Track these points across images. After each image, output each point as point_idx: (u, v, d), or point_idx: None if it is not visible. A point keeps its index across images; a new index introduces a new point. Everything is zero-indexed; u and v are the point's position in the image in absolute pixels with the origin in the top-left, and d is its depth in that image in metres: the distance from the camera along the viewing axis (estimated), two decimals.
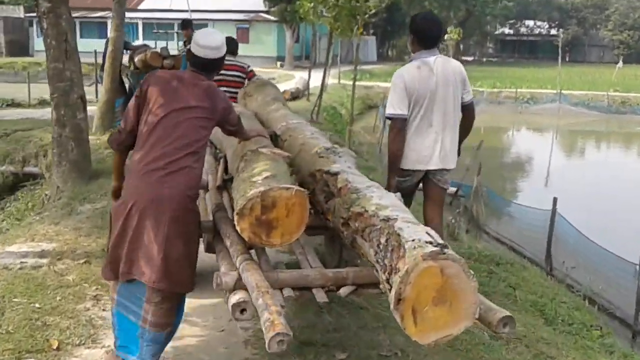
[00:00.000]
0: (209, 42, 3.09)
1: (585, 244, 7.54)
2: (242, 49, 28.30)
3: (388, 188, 3.92)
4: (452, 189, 10.39)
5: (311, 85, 19.01)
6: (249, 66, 6.61)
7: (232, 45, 6.48)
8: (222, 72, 6.08)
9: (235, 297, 2.53)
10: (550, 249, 7.86)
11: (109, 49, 10.41)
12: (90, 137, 8.02)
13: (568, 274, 6.95)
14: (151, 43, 18.56)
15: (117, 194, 3.16)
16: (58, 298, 4.11)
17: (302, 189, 2.74)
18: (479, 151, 11.26)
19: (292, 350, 3.49)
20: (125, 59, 11.16)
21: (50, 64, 7.07)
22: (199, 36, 3.14)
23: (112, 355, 3.17)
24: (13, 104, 15.96)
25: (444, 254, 2.11)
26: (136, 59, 11.15)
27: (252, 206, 2.62)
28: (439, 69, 3.97)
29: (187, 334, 3.73)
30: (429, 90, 3.94)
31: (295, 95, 18.64)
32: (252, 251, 2.95)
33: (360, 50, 49.46)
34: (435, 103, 3.97)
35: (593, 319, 5.10)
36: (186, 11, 24.51)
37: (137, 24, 39.57)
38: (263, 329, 2.26)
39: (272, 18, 37.18)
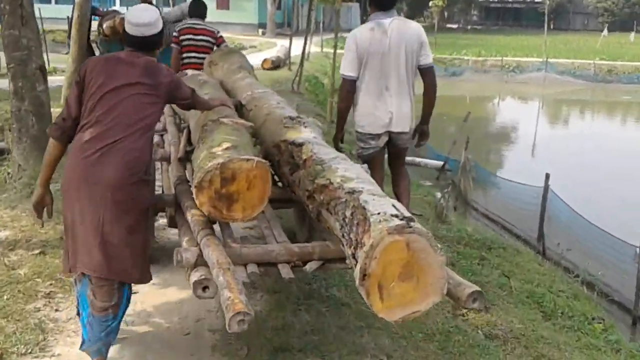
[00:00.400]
0: (141, 19, 2.89)
1: (581, 224, 7.21)
2: (221, 16, 27.91)
3: (335, 139, 4.27)
4: (439, 163, 10.01)
5: (293, 54, 18.40)
6: (218, 31, 6.35)
7: (201, 9, 6.38)
8: (191, 36, 6.08)
9: (197, 274, 2.41)
10: (542, 229, 7.53)
11: (75, 15, 9.74)
12: (58, 109, 7.50)
13: (563, 256, 6.63)
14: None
15: (38, 204, 3.00)
16: (5, 297, 3.66)
17: (263, 161, 2.61)
18: (466, 123, 10.87)
19: (264, 357, 3.11)
20: (95, 25, 10.56)
21: (5, 31, 6.45)
22: (131, 14, 2.96)
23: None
24: None
25: (410, 227, 2.01)
26: (104, 26, 10.49)
27: (211, 179, 2.51)
28: (393, 31, 3.94)
29: (150, 338, 3.31)
30: (381, 52, 3.93)
31: (276, 64, 18.01)
32: (216, 226, 2.78)
33: (342, 17, 48.78)
34: (388, 65, 3.96)
35: (593, 309, 4.77)
36: None
37: None
38: (223, 309, 2.12)
39: None
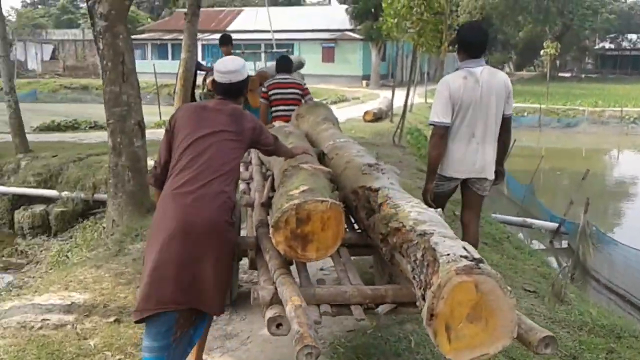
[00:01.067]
0: (226, 67, 3.16)
1: None
2: (327, 69, 28.31)
3: (425, 192, 4.23)
4: (554, 225, 9.11)
5: (395, 105, 18.04)
6: (304, 83, 6.66)
7: (286, 64, 6.73)
8: (280, 90, 6.36)
9: (271, 312, 2.51)
10: None
11: (180, 70, 9.95)
12: None
13: None
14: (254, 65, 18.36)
15: None
16: None
17: (337, 202, 2.70)
18: (584, 181, 9.90)
19: None
20: (200, 80, 10.75)
21: (106, 87, 6.57)
22: (219, 63, 3.20)
23: None
24: (96, 126, 15.97)
25: (479, 268, 2.02)
26: (208, 81, 10.69)
27: (287, 219, 2.62)
28: (484, 80, 4.02)
29: None
30: (473, 100, 4.00)
31: (378, 116, 17.71)
32: (294, 269, 2.94)
33: (448, 67, 48.20)
34: (479, 113, 4.03)
35: None
36: (270, 32, 24.36)
37: None
38: (293, 342, 2.20)
39: (358, 36, 36.58)
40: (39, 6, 65.18)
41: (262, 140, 3.20)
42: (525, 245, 6.86)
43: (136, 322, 2.85)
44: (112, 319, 4.03)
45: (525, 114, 24.77)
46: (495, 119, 4.09)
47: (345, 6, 37.44)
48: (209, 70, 10.86)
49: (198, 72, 10.85)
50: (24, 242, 9.36)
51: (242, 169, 4.60)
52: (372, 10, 33.75)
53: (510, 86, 4.16)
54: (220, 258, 2.82)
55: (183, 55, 9.92)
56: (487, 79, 4.03)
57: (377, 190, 3.03)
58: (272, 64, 12.45)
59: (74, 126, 16.11)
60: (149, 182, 3.20)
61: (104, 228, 6.92)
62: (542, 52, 36.29)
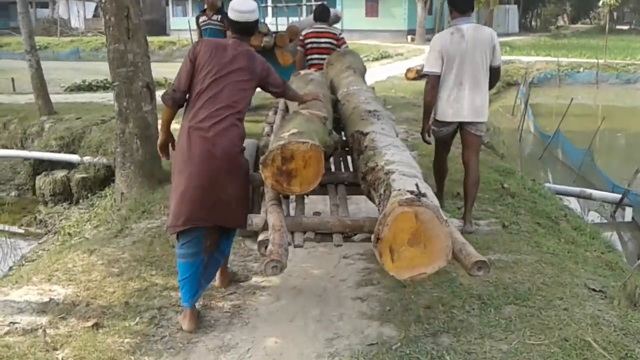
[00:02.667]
0: (244, 7, 3.44)
1: None
2: (370, 24, 26.80)
3: (422, 132, 4.97)
4: (616, 196, 8.12)
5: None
6: (340, 33, 6.87)
7: (324, 13, 6.94)
8: (314, 39, 6.66)
9: (262, 236, 2.94)
10: None
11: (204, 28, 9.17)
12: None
13: None
14: (281, 20, 17.31)
15: (163, 146, 3.59)
16: None
17: (317, 144, 3.01)
18: None
19: None
20: None
21: (110, 45, 5.88)
22: (235, 4, 3.46)
23: (188, 312, 3.39)
24: None
25: (419, 201, 2.37)
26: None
27: (273, 157, 2.97)
28: (469, 35, 4.55)
29: None
30: (459, 52, 4.55)
31: (421, 74, 16.59)
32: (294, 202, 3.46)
33: (499, 20, 45.87)
34: (465, 64, 4.56)
35: None
36: None
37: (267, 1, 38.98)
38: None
39: None
40: None
41: (270, 81, 3.53)
42: (586, 224, 5.96)
43: (171, 234, 3.46)
44: (91, 322, 3.41)
45: (581, 69, 23.01)
46: (482, 69, 4.62)
47: None
48: None
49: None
50: (45, 209, 8.92)
51: (270, 112, 4.99)
52: None
53: (496, 40, 4.66)
54: (237, 180, 3.29)
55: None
56: (473, 34, 4.58)
57: (366, 134, 3.42)
58: (305, 18, 11.56)
59: (105, 86, 15.56)
60: (163, 101, 3.39)
61: (114, 201, 6.35)
62: (600, 3, 34.00)
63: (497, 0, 10.62)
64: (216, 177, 3.20)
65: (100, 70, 22.24)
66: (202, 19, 8.11)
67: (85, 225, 6.95)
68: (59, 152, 9.66)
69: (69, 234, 6.65)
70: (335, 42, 6.62)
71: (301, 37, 6.85)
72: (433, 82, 4.67)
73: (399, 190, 2.47)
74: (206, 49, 3.36)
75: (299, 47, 6.88)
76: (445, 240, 2.38)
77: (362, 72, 5.40)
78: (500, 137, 11.96)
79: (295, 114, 3.58)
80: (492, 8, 17.87)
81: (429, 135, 4.96)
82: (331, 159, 3.97)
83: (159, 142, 3.60)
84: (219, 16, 7.72)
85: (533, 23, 56.02)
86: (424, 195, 2.39)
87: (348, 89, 4.46)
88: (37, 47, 11.46)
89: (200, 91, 3.28)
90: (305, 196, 3.42)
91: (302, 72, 5.14)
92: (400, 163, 2.88)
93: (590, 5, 51.18)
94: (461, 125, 4.79)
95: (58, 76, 18.15)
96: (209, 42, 3.48)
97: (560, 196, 7.70)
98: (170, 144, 3.54)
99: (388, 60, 24.09)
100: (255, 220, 3.02)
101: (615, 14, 54.95)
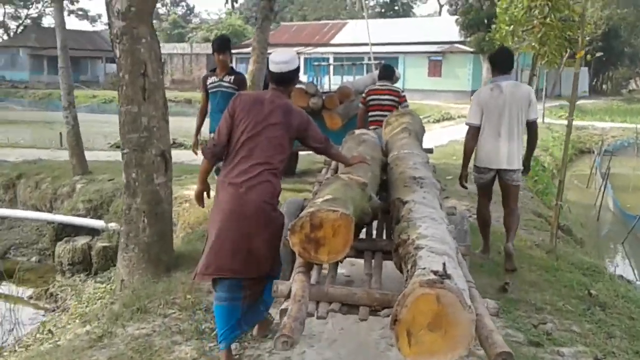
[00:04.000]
0: (280, 58, 3.56)
1: None
2: (434, 84, 25.84)
3: (460, 177, 5.61)
4: None
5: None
6: (402, 91, 6.95)
7: (388, 72, 7.07)
8: (376, 97, 6.74)
9: (285, 304, 2.81)
10: None
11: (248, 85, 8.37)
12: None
13: None
14: (341, 78, 16.58)
15: (199, 195, 3.74)
16: None
17: (347, 213, 2.93)
18: None
19: None
20: None
21: (122, 106, 5.06)
22: (273, 56, 3.62)
23: (223, 353, 3.56)
24: (174, 144, 14.79)
25: (442, 283, 2.22)
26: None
27: (302, 224, 2.90)
28: (508, 91, 5.16)
29: None
30: (497, 106, 5.16)
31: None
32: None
33: (569, 83, 43.76)
34: (503, 117, 5.16)
35: None
36: (372, 45, 22.64)
37: (328, 58, 38.88)
38: None
39: (467, 49, 33.96)
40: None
41: (310, 135, 3.59)
42: None
43: (198, 281, 3.84)
44: None
45: None
46: (518, 121, 5.14)
47: (456, 17, 34.98)
48: None
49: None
50: (62, 279, 8.12)
51: (323, 170, 5.17)
52: (485, 20, 31.14)
53: (533, 96, 5.20)
54: (267, 233, 3.42)
55: (250, 67, 8.34)
56: (511, 90, 5.14)
57: (405, 202, 3.33)
58: (359, 78, 10.70)
59: None
60: (204, 156, 3.54)
61: (112, 290, 5.42)
62: None
63: (578, 60, 9.56)
64: (247, 230, 3.35)
65: None
66: (211, 79, 6.45)
67: (95, 303, 6.06)
68: (85, 216, 8.94)
69: (50, 331, 5.66)
70: (397, 99, 6.67)
71: (363, 95, 6.94)
72: (473, 132, 5.30)
73: (424, 269, 2.38)
74: (244, 103, 3.50)
75: (360, 104, 6.97)
76: (467, 327, 2.21)
77: (420, 133, 5.37)
78: (574, 215, 10.55)
79: (335, 178, 3.56)
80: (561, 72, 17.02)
81: (466, 181, 5.55)
82: (374, 224, 3.97)
83: (195, 191, 3.73)
84: (232, 77, 6.27)
85: (604, 86, 53.81)
86: (448, 276, 2.27)
87: (399, 152, 4.39)
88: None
89: (237, 147, 3.43)
90: (340, 262, 3.28)
91: (358, 131, 5.14)
92: (432, 238, 2.76)
93: None
94: (499, 174, 5.37)
95: (115, 130, 17.92)
96: (247, 96, 3.62)
97: None
98: (206, 193, 3.71)
99: (450, 123, 22.95)
100: (280, 287, 2.90)
101: None
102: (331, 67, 22.04)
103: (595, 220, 11.35)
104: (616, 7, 42.06)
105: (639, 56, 52.09)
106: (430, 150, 6.60)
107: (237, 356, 3.72)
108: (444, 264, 2.36)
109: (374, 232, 4.08)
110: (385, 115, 5.93)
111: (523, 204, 8.75)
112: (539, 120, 19.79)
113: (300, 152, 10.24)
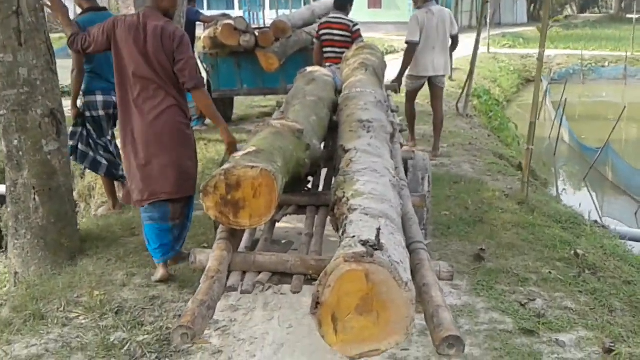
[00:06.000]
0: None
1: None
2: (373, 15, 24.55)
3: (396, 79, 6.53)
4: None
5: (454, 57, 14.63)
6: (355, 24, 6.20)
7: (342, 1, 6.24)
8: (329, 31, 6.18)
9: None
10: None
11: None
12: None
13: None
14: (276, 12, 15.17)
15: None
16: None
17: (268, 168, 2.40)
18: None
19: None
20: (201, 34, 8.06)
21: None
22: None
23: (160, 266, 3.78)
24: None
25: (372, 256, 1.78)
26: (203, 36, 7.94)
27: (216, 184, 2.38)
28: (437, 14, 6.47)
29: None
30: (431, 26, 6.40)
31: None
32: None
33: (508, 10, 43.71)
34: (434, 34, 6.44)
35: None
36: None
37: None
38: None
39: None
40: None
41: (179, 66, 3.60)
42: None
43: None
44: None
45: (607, 63, 20.97)
46: (445, 36, 6.57)
47: None
48: (211, 21, 8.11)
49: (196, 23, 8.16)
50: None
51: (276, 113, 4.58)
52: None
53: (452, 16, 6.71)
54: (190, 150, 3.80)
55: None
56: (439, 13, 6.54)
57: (347, 150, 2.87)
58: (297, 11, 9.59)
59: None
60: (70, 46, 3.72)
61: (5, 284, 4.40)
62: None
63: None
64: (170, 151, 3.62)
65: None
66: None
67: None
68: None
69: None
70: (349, 34, 6.06)
71: (316, 28, 6.56)
72: (413, 49, 6.46)
73: (353, 237, 1.92)
74: (121, 32, 3.59)
75: (314, 40, 6.56)
76: (404, 309, 1.78)
77: (380, 68, 4.79)
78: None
79: (264, 126, 3.02)
80: None
81: (399, 88, 6.40)
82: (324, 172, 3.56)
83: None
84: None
85: (541, 13, 53.78)
86: (381, 247, 1.80)
87: (350, 92, 3.87)
88: None
89: (129, 80, 3.63)
90: (276, 221, 2.93)
91: (309, 69, 4.72)
92: (369, 195, 2.27)
93: None
94: (430, 80, 6.67)
95: None
96: (122, 23, 3.60)
97: (631, 242, 5.74)
98: None
99: (395, 56, 21.94)
100: (199, 257, 2.43)
101: (623, 3, 52.91)
102: (267, 1, 20.61)
103: (552, 155, 10.82)
104: None
105: None
106: (394, 87, 5.80)
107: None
108: (377, 231, 1.90)
109: (321, 186, 3.50)
110: (340, 52, 5.62)
111: (481, 143, 8.05)
112: (485, 50, 19.01)
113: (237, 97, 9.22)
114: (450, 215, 4.93)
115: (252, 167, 2.37)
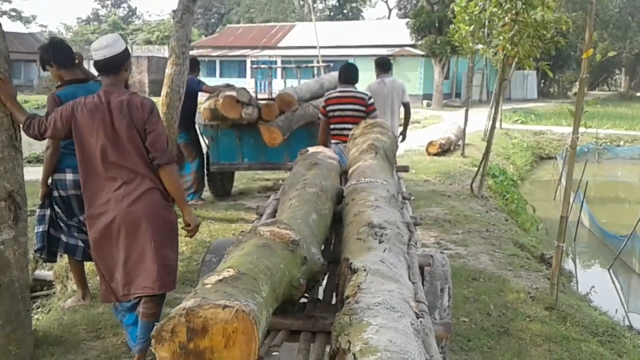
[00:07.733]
0: (99, 43, 3.26)
1: None
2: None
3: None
4: None
5: (466, 131, 14.09)
6: (369, 97, 5.77)
7: (351, 73, 5.92)
8: (339, 106, 5.71)
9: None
10: None
11: (163, 90, 6.75)
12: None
13: None
14: (293, 82, 14.80)
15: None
16: None
17: (246, 310, 1.76)
18: None
19: None
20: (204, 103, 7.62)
21: None
22: (92, 45, 3.31)
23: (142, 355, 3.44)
24: None
25: None
26: (203, 107, 7.51)
27: (173, 328, 1.75)
28: (388, 84, 7.14)
29: None
30: (382, 94, 7.02)
31: (445, 148, 14.04)
32: None
33: (518, 86, 43.67)
34: (387, 102, 7.06)
35: None
36: (320, 47, 21.24)
37: (276, 61, 37.27)
38: None
39: (418, 52, 33.01)
40: (92, 23, 64.44)
41: (148, 138, 3.27)
42: None
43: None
44: None
45: (622, 142, 20.54)
46: (396, 105, 7.18)
47: (406, 20, 33.93)
48: (213, 92, 7.69)
49: (199, 93, 7.75)
50: None
51: (272, 196, 4.00)
52: (436, 24, 30.26)
53: (404, 86, 7.39)
54: (172, 239, 3.44)
55: (168, 70, 6.68)
56: (390, 83, 7.17)
57: (355, 271, 2.22)
58: (304, 83, 9.20)
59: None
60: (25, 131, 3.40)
61: None
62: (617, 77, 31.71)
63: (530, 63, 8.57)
64: (154, 241, 3.27)
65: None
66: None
67: None
68: None
69: None
70: (363, 108, 5.64)
71: (322, 104, 5.84)
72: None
73: None
74: (83, 117, 3.27)
75: (320, 116, 5.92)
76: None
77: (390, 150, 4.23)
78: (551, 236, 9.26)
79: (251, 235, 2.36)
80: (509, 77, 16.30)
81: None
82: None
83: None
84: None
85: (552, 89, 53.98)
86: None
87: (357, 182, 3.39)
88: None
89: (99, 165, 3.31)
90: None
91: (312, 149, 4.26)
92: (385, 354, 1.62)
93: (608, 71, 49.17)
94: None
95: None
96: (83, 106, 3.27)
97: None
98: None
99: None
100: None
101: (633, 81, 53.26)
102: (279, 71, 20.45)
103: (572, 240, 10.14)
104: (565, 10, 42.08)
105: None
106: (405, 169, 5.21)
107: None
108: None
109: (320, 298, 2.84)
110: (350, 129, 4.97)
111: (499, 230, 7.41)
112: (497, 125, 18.68)
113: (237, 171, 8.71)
114: (470, 323, 4.25)
115: (224, 307, 1.76)
